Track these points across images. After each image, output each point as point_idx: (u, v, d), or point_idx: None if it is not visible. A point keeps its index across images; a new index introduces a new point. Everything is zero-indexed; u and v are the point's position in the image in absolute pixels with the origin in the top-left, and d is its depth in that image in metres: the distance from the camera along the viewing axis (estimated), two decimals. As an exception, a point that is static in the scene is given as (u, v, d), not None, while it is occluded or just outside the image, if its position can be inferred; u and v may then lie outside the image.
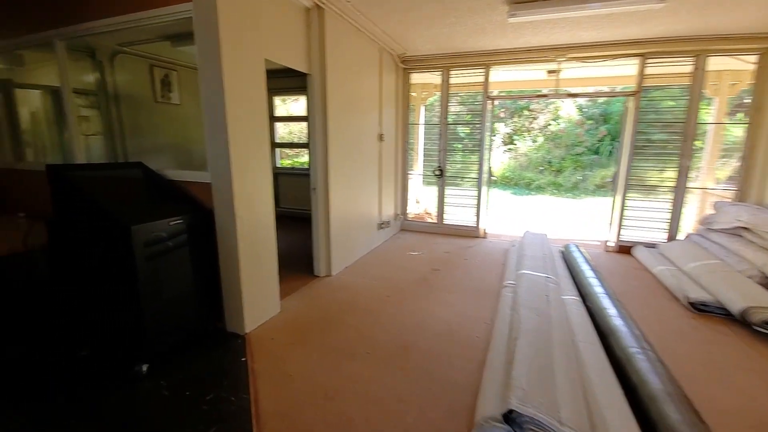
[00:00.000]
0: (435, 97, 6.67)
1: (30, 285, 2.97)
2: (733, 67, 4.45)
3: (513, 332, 2.35)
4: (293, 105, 8.07)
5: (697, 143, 4.54)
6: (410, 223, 5.91)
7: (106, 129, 4.59)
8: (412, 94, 5.61)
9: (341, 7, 3.34)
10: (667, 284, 3.65)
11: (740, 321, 2.82)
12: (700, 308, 3.13)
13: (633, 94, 4.47)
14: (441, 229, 5.70)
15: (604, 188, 11.07)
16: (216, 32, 2.19)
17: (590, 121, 11.89)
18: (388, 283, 3.66)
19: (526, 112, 12.85)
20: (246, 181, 2.49)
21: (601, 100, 12.01)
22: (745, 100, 4.45)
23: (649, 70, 4.33)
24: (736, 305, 2.84)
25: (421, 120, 6.68)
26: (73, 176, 2.06)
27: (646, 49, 4.22)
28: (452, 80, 5.19)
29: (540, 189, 11.61)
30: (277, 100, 6.54)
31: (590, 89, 6.10)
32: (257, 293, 2.70)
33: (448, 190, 5.57)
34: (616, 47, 4.28)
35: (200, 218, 2.42)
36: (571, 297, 3.14)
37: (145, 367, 2.14)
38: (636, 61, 4.36)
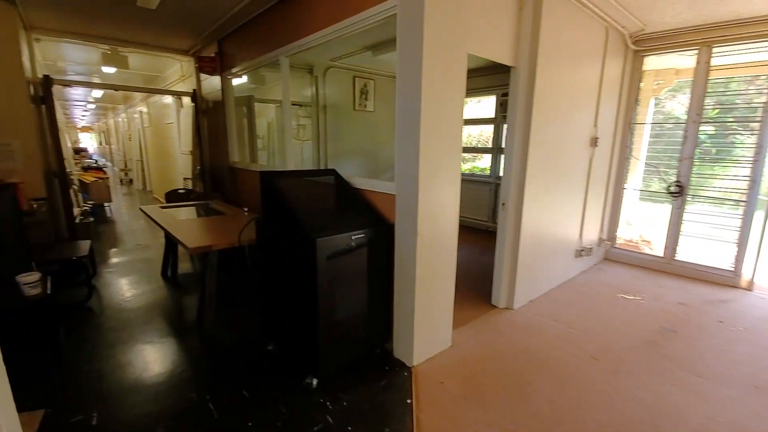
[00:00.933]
0: (672, 87, 4.99)
1: (234, 275, 3.50)
2: None
3: None
4: (474, 107, 7.61)
5: None
6: (619, 253, 4.58)
7: (315, 135, 5.24)
8: (642, 84, 4.25)
9: None
10: None
11: None
12: None
13: None
14: (669, 267, 4.18)
15: None
16: (420, 26, 1.90)
17: None
18: (592, 336, 2.75)
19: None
20: (432, 196, 2.15)
21: None
22: None
23: None
24: None
25: (649, 118, 5.12)
26: (277, 182, 2.15)
27: None
28: (717, 61, 3.63)
29: None
30: (464, 102, 6.19)
31: None
32: (429, 321, 2.36)
33: (688, 215, 4.01)
34: None
35: (381, 233, 2.22)
36: None
37: (314, 382, 2.07)
38: None
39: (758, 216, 3.59)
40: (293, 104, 5.12)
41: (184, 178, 6.01)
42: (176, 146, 6.83)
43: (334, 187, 2.56)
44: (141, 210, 3.63)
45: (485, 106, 6.06)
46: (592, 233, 4.21)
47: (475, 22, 2.33)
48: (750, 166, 3.58)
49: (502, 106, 5.40)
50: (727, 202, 3.79)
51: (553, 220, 3.41)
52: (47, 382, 2.07)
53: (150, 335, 2.64)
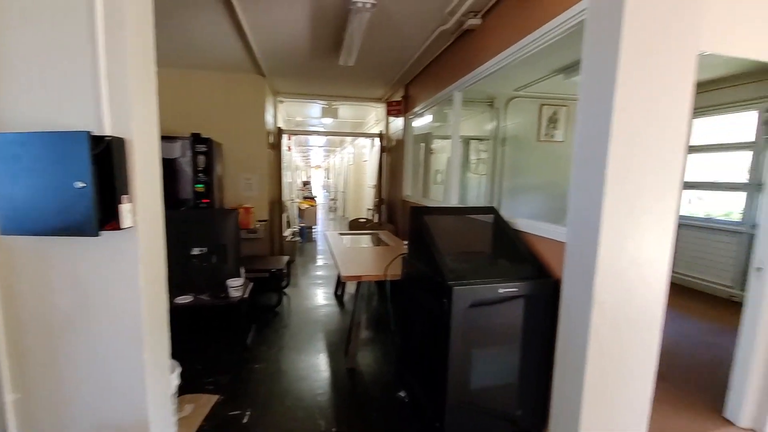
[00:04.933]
0: None
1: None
2: None
3: None
4: (719, 127, 5.64)
5: None
6: None
7: (491, 169, 4.98)
8: None
9: None
10: None
11: None
12: None
13: None
14: None
15: None
16: (618, 20, 1.45)
17: None
18: None
19: None
20: (622, 248, 1.56)
21: None
22: None
23: None
24: None
25: None
26: (425, 218, 2.03)
27: None
28: None
29: None
30: (698, 123, 4.66)
31: None
32: (606, 422, 1.68)
33: None
34: None
35: (542, 289, 1.76)
36: None
37: (443, 454, 1.76)
38: None
39: None
40: (472, 139, 5.05)
41: (367, 209, 6.76)
42: (367, 180, 7.85)
43: (492, 227, 2.25)
44: (324, 234, 4.22)
45: (737, 125, 4.38)
46: None
47: (716, 7, 1.65)
48: None
49: (767, 126, 3.78)
50: None
51: None
52: (229, 373, 2.52)
53: (311, 348, 2.92)
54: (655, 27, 1.47)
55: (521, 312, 1.75)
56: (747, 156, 4.10)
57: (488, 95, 4.71)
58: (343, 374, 2.57)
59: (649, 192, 1.57)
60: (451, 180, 3.52)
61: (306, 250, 6.91)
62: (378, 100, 5.99)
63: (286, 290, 4.19)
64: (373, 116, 7.02)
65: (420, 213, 2.07)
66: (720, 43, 1.68)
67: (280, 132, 4.98)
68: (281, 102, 5.70)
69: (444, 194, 5.18)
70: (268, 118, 4.68)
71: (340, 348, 2.94)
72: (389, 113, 5.34)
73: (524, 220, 2.14)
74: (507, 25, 2.43)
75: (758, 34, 1.74)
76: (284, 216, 5.45)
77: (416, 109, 4.58)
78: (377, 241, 4.05)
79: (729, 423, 2.07)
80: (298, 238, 6.80)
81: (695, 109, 4.35)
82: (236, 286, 2.74)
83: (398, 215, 5.15)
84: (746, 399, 2.02)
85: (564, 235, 1.75)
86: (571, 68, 3.60)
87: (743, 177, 4.17)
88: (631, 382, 1.70)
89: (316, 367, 2.65)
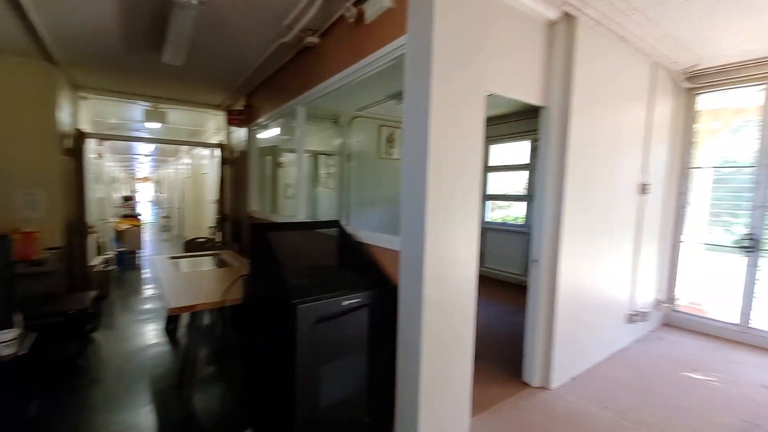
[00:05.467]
0: (733, 129, 4.46)
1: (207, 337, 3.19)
2: None
3: None
4: (510, 152, 7.32)
5: None
6: (681, 317, 3.86)
7: (339, 184, 5.14)
8: (697, 125, 3.80)
9: (604, 11, 2.38)
10: None
11: None
12: None
13: None
14: (745, 337, 3.43)
15: None
16: (427, 63, 1.69)
17: None
18: (658, 435, 2.14)
19: None
20: (443, 252, 1.82)
21: None
22: None
23: None
24: None
25: (708, 162, 4.57)
26: (267, 235, 1.92)
27: None
28: (788, 96, 3.16)
29: None
30: (494, 149, 5.92)
31: None
32: (439, 406, 1.92)
33: (765, 274, 3.32)
34: None
35: (383, 296, 1.89)
36: None
37: (295, 485, 1.67)
38: None
39: None
40: (321, 153, 5.10)
41: (208, 227, 6.06)
42: (207, 195, 7.04)
43: (336, 240, 2.30)
44: (150, 260, 3.55)
45: (520, 151, 5.74)
46: (646, 294, 3.58)
47: (497, 59, 2.11)
48: None
49: (535, 152, 5.08)
50: (821, 261, 3.10)
51: (597, 278, 2.91)
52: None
53: (131, 403, 2.38)
54: (456, 71, 1.78)
55: (366, 321, 1.83)
56: (525, 174, 5.43)
57: (333, 113, 4.89)
58: (177, 425, 2.18)
59: (459, 204, 1.87)
60: (299, 194, 3.48)
61: (127, 280, 5.69)
62: (217, 107, 5.48)
63: (93, 335, 3.32)
64: (213, 125, 6.38)
65: (261, 230, 1.95)
66: (499, 86, 2.16)
67: (81, 135, 3.98)
68: (85, 99, 4.59)
69: (305, 210, 5.09)
70: (62, 117, 3.69)
71: (173, 394, 2.49)
72: (230, 123, 4.95)
73: (366, 232, 2.26)
74: (343, 48, 2.57)
75: (518, 82, 2.32)
76: (91, 240, 4.36)
77: (261, 120, 4.37)
78: (219, 263, 3.65)
79: (527, 385, 2.64)
80: (114, 267, 5.54)
81: (491, 137, 5.45)
82: (5, 341, 2.02)
83: (244, 233, 4.77)
84: (535, 363, 2.61)
85: (399, 244, 1.93)
86: (401, 96, 4.08)
87: (523, 190, 5.51)
88: (456, 367, 1.97)
89: (136, 427, 2.16)
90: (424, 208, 1.74)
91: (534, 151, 5.09)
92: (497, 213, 6.16)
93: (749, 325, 3.43)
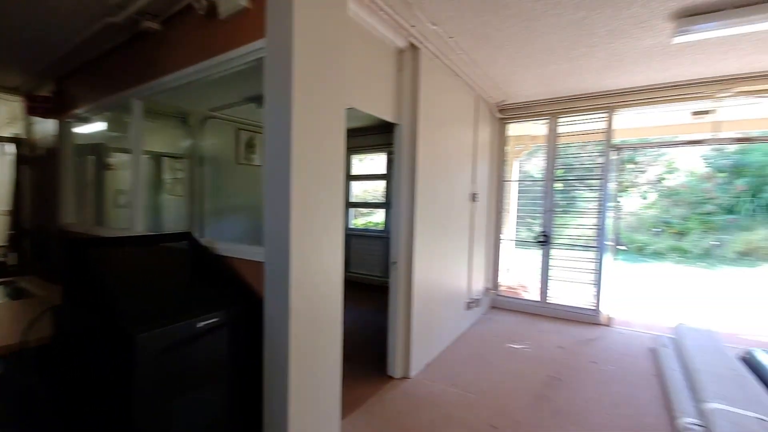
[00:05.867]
0: (530, 151, 5.81)
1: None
2: None
3: None
4: (370, 162, 7.81)
5: None
6: (503, 300, 4.81)
7: (189, 191, 4.55)
8: (507, 147, 4.81)
9: (440, 47, 2.79)
10: None
11: None
12: None
13: None
14: (544, 310, 4.49)
15: (751, 257, 8.69)
16: (289, 71, 1.68)
17: (723, 174, 9.76)
18: (489, 399, 2.61)
19: (629, 166, 11.13)
20: (309, 261, 1.82)
21: (731, 149, 9.92)
22: None
23: None
24: None
25: (515, 177, 5.81)
26: (92, 253, 1.57)
27: None
28: (561, 129, 4.30)
29: (659, 255, 9.54)
30: (355, 159, 6.24)
31: (758, 132, 4.71)
32: (309, 418, 1.91)
33: (554, 261, 4.44)
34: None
35: (245, 312, 1.77)
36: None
37: None
38: None
39: (607, 261, 4.14)
40: (165, 155, 4.42)
41: (-4, 246, 4.55)
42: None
43: (188, 255, 2.04)
44: None
45: (378, 162, 6.18)
46: (479, 284, 4.33)
47: (356, 76, 2.25)
48: (596, 216, 4.17)
49: (391, 163, 5.56)
50: (583, 248, 4.32)
51: (443, 274, 3.37)
52: None
53: None
54: (317, 81, 1.83)
55: (226, 341, 1.68)
56: (383, 183, 5.90)
57: (181, 110, 4.33)
58: None
59: (323, 212, 1.91)
60: (136, 203, 2.96)
61: None
62: (13, 91, 4.20)
63: None
64: (5, 113, 4.84)
65: (80, 246, 1.59)
66: (358, 101, 2.32)
67: None
68: None
69: (147, 220, 4.28)
70: None
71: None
72: (31, 111, 3.86)
73: (225, 243, 2.09)
74: (192, 41, 2.32)
75: (375, 99, 2.53)
76: None
77: (79, 112, 3.54)
78: (15, 293, 2.78)
79: (391, 378, 2.85)
80: None
81: (353, 147, 5.67)
82: None
83: (54, 252, 3.76)
84: (396, 357, 2.85)
85: (263, 254, 1.84)
86: (260, 99, 3.91)
87: (382, 198, 5.98)
88: (325, 375, 1.99)
89: None
90: (288, 217, 1.72)
91: (390, 162, 5.58)
92: (360, 220, 6.50)
93: (547, 301, 4.51)
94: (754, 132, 4.98)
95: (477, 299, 4.15)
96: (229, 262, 2.03)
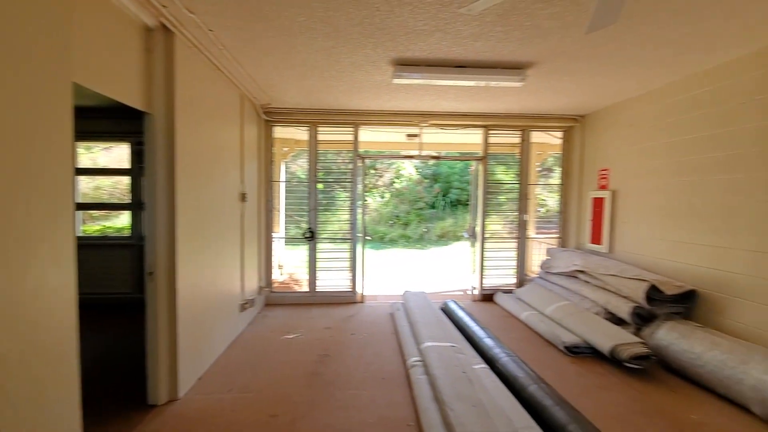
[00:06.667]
0: (295, 153, 6.24)
1: None
2: (545, 140, 5.57)
3: (461, 442, 1.88)
4: (104, 154, 6.22)
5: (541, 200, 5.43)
6: (276, 296, 4.99)
7: None
8: (274, 149, 4.99)
9: (198, 37, 2.60)
10: (538, 330, 3.92)
11: (609, 358, 3.13)
12: (574, 351, 3.39)
13: (481, 159, 5.06)
14: (314, 299, 4.99)
15: (445, 238, 12.49)
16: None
17: (426, 180, 13.54)
18: (268, 393, 2.71)
19: (372, 171, 13.72)
20: (10, 292, 1.36)
21: (431, 162, 13.93)
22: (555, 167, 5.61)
23: (491, 140, 5.01)
24: (605, 345, 3.16)
25: (282, 177, 6.08)
26: None
27: (489, 121, 4.89)
28: (321, 137, 4.86)
29: (393, 242, 12.22)
30: (81, 148, 4.81)
31: (444, 152, 6.79)
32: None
33: (320, 254, 4.99)
34: (467, 118, 4.81)
35: None
36: (480, 365, 2.93)
37: None
38: (481, 131, 4.99)
39: (359, 250, 5.02)
40: None
41: None
42: None
43: None
44: None
45: (118, 154, 4.99)
46: (253, 283, 4.33)
47: (86, 46, 1.80)
48: (349, 213, 4.97)
49: (138, 156, 4.64)
50: (341, 240, 5.05)
51: (214, 279, 3.19)
52: None
53: None
54: (24, 36, 1.39)
55: None
56: (127, 180, 4.87)
57: None
58: None
59: (40, 216, 1.47)
60: None
61: None
62: None
63: None
64: None
65: None
66: (90, 78, 1.88)
67: None
68: None
69: None
70: None
71: None
72: None
73: None
74: None
75: (115, 80, 2.14)
76: None
77: None
78: None
79: (153, 406, 2.45)
80: None
81: (81, 133, 4.45)
82: None
83: None
84: (160, 382, 2.48)
85: None
86: None
87: (127, 198, 4.92)
88: (58, 416, 1.54)
89: None
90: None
91: (138, 156, 4.66)
92: (94, 225, 5.09)
93: (316, 291, 5.00)
94: (443, 152, 7.26)
95: (251, 299, 4.13)
96: None
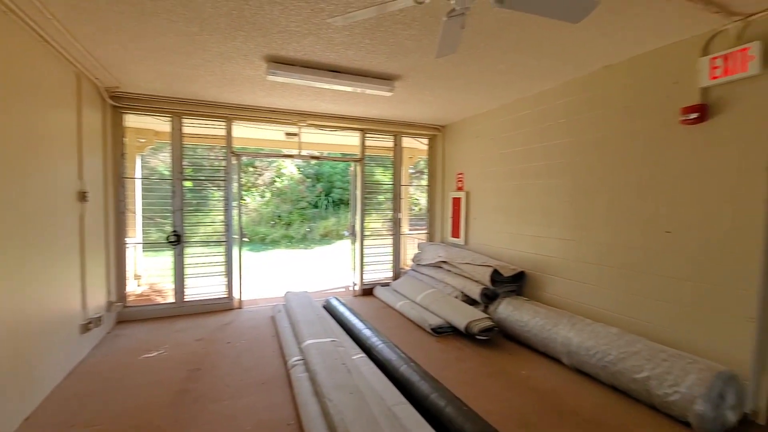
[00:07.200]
0: (155, 146, 5.50)
1: None
2: (415, 146, 6.16)
3: (338, 427, 1.99)
4: None
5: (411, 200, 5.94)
6: (133, 311, 4.32)
7: None
8: (126, 140, 4.30)
9: (18, 2, 2.08)
10: (410, 317, 4.35)
11: (465, 334, 3.69)
12: (438, 331, 3.89)
13: (359, 160, 5.32)
14: (182, 310, 4.50)
15: (328, 237, 12.61)
16: None
17: (309, 179, 13.43)
18: (123, 421, 2.37)
19: (251, 169, 12.94)
20: None
21: (313, 162, 13.89)
22: (423, 170, 6.25)
23: (368, 143, 5.31)
24: (461, 323, 3.71)
25: (138, 173, 5.29)
26: None
27: (365, 125, 5.16)
28: (186, 129, 4.38)
29: (275, 243, 11.76)
30: None
31: (326, 153, 6.85)
32: None
33: (189, 259, 4.52)
34: (345, 120, 4.99)
35: None
36: (359, 355, 3.12)
37: None
38: (358, 134, 5.24)
39: (235, 252, 4.72)
40: None
41: None
42: None
43: None
44: None
45: None
46: (99, 299, 3.66)
47: None
48: (223, 213, 4.63)
49: None
50: (215, 243, 4.67)
51: (42, 299, 2.61)
52: None
53: None
54: None
55: None
56: None
57: None
58: None
59: None
60: None
61: None
62: None
63: None
64: None
65: None
66: None
67: None
68: None
69: None
70: None
71: None
72: None
73: None
74: None
75: None
76: None
77: None
78: None
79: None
80: None
81: None
82: None
83: None
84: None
85: None
86: None
87: None
88: None
89: None
90: None
91: None
92: None
93: (184, 300, 4.50)
94: (324, 152, 7.33)
95: (97, 318, 3.49)
96: None
